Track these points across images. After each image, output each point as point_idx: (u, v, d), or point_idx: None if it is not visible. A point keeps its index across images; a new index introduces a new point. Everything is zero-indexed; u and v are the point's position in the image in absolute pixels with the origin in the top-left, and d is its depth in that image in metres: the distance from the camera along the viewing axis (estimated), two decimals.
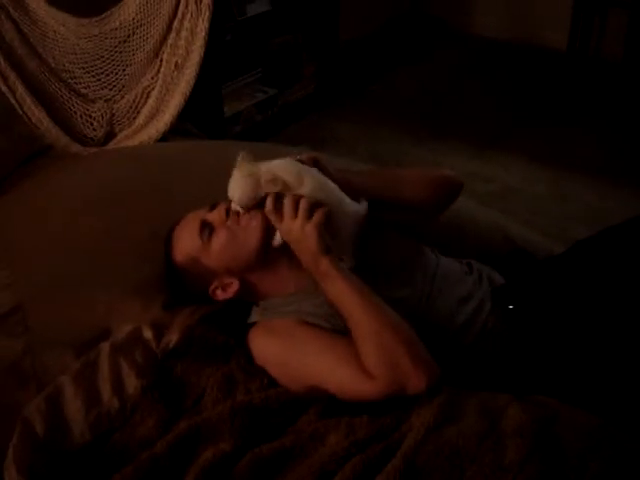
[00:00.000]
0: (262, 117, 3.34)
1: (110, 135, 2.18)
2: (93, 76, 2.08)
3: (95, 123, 2.13)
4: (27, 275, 1.53)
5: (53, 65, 2.04)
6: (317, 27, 3.53)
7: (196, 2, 2.01)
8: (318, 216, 1.20)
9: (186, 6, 2.03)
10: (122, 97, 2.14)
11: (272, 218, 1.25)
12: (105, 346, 1.34)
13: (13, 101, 1.99)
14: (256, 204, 1.29)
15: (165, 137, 2.15)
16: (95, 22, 2.01)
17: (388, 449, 1.07)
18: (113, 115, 2.14)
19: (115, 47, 2.04)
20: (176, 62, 2.08)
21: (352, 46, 3.95)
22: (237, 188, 1.28)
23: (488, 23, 4.35)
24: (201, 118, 2.78)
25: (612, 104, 3.58)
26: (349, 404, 1.20)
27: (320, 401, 1.20)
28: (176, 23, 2.05)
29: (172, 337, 1.35)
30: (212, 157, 1.93)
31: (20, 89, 1.98)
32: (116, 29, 2.02)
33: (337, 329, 1.28)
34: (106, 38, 2.03)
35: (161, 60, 2.10)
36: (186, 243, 1.39)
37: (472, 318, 1.33)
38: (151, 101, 2.13)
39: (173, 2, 2.03)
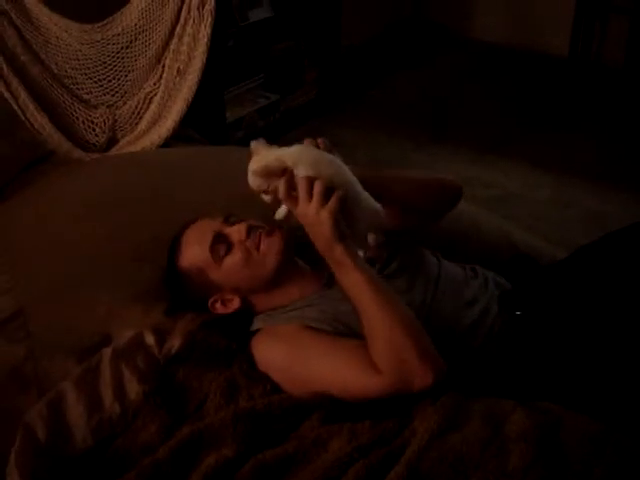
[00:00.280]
0: (264, 123, 3.34)
1: (112, 141, 2.18)
2: (95, 82, 2.09)
3: (97, 129, 2.13)
4: (28, 280, 1.53)
5: (56, 71, 2.04)
6: (319, 33, 3.54)
7: (198, 8, 2.01)
8: (333, 201, 1.15)
9: (188, 12, 2.03)
10: (124, 103, 2.14)
11: (287, 201, 1.19)
12: (107, 351, 1.34)
13: (16, 107, 1.99)
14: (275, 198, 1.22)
15: (167, 143, 2.16)
16: (97, 28, 2.02)
17: (391, 455, 1.07)
18: (115, 121, 2.14)
19: (117, 53, 2.05)
20: (178, 68, 2.08)
21: (353, 52, 3.96)
22: (253, 175, 1.22)
23: (489, 28, 4.36)
24: (203, 124, 2.78)
25: (613, 109, 3.58)
26: (352, 409, 1.20)
27: (323, 407, 1.20)
28: (178, 29, 2.05)
29: (174, 342, 1.35)
30: (214, 163, 1.93)
31: (23, 95, 1.98)
32: (118, 35, 2.03)
33: (341, 333, 1.28)
34: (108, 44, 2.04)
35: (163, 66, 2.11)
36: (195, 252, 1.37)
37: (478, 321, 1.33)
38: (153, 107, 2.13)
39: (175, 8, 2.03)
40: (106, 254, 1.54)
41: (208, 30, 2.05)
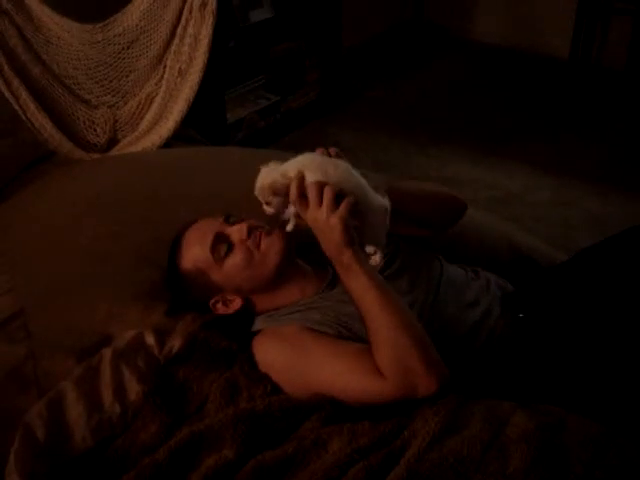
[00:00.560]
0: (265, 123, 3.35)
1: (113, 141, 2.18)
2: (96, 82, 2.09)
3: (98, 129, 2.13)
4: (29, 280, 1.53)
5: (57, 71, 2.04)
6: (320, 34, 3.54)
7: (200, 9, 2.01)
8: (343, 207, 1.16)
9: (190, 12, 2.03)
10: (125, 103, 2.14)
11: (297, 206, 1.21)
12: (107, 352, 1.34)
13: (16, 107, 1.99)
14: (282, 203, 1.25)
15: (168, 143, 2.16)
16: (99, 28, 2.02)
17: (391, 456, 1.06)
18: (116, 121, 2.14)
19: (119, 53, 2.05)
20: (179, 68, 2.08)
21: (354, 53, 3.96)
22: (262, 183, 1.24)
23: (490, 30, 4.36)
24: (204, 124, 2.78)
25: (614, 112, 3.58)
26: (351, 410, 1.20)
27: (323, 407, 1.20)
28: (180, 29, 2.05)
29: (175, 343, 1.35)
30: (215, 163, 1.93)
31: (24, 95, 1.98)
32: (120, 35, 2.03)
33: (343, 336, 1.28)
34: (109, 44, 2.04)
35: (164, 66, 2.11)
36: (196, 252, 1.37)
37: (480, 323, 1.33)
38: (154, 107, 2.13)
39: (177, 9, 2.03)
40: (107, 254, 1.54)
41: (209, 31, 2.05)
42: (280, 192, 1.22)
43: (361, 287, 1.20)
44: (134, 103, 2.14)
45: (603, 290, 1.36)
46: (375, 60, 4.17)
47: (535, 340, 1.31)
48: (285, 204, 1.25)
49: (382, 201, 1.25)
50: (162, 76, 2.12)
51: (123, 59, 2.06)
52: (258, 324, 1.39)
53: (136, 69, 2.09)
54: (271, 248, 1.35)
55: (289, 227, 1.29)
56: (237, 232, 1.36)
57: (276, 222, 1.33)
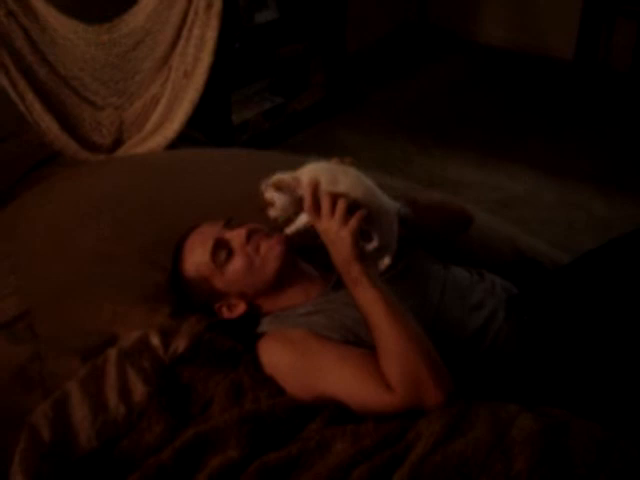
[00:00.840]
0: (270, 125, 3.35)
1: (118, 142, 2.19)
2: (102, 83, 2.09)
3: (104, 130, 2.14)
4: (35, 280, 1.54)
5: (63, 72, 2.05)
6: (325, 36, 3.54)
7: (205, 10, 2.02)
8: (354, 221, 1.18)
9: (195, 14, 2.04)
10: (131, 105, 2.15)
11: (310, 214, 1.22)
12: (112, 352, 1.34)
13: (23, 108, 1.99)
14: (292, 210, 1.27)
15: (173, 144, 2.16)
16: (105, 29, 2.03)
17: (395, 457, 1.06)
18: (122, 122, 2.15)
19: (124, 54, 2.06)
20: (185, 70, 2.09)
21: (360, 55, 3.97)
22: (269, 181, 1.25)
23: (494, 32, 4.36)
24: (209, 126, 2.79)
25: (619, 114, 3.57)
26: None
27: (327, 408, 1.20)
28: (185, 31, 2.06)
29: (180, 343, 1.35)
30: (220, 165, 1.93)
31: (30, 96, 1.99)
32: (125, 36, 2.04)
33: (350, 341, 1.28)
34: (115, 45, 2.04)
35: (170, 68, 2.11)
36: (198, 259, 1.37)
37: (485, 326, 1.32)
38: (160, 109, 2.14)
39: (182, 10, 2.04)
40: (112, 255, 1.54)
41: (215, 32, 2.05)
42: (284, 188, 1.22)
43: (369, 301, 1.20)
44: (140, 104, 2.14)
45: (608, 292, 1.36)
46: (379, 62, 4.17)
47: (540, 342, 1.30)
48: (289, 206, 1.25)
49: (393, 204, 1.26)
50: (167, 77, 2.13)
51: (129, 60, 2.07)
52: (264, 326, 1.39)
53: (142, 70, 2.10)
54: (271, 252, 1.35)
55: (289, 230, 1.29)
56: (237, 237, 1.36)
57: (278, 226, 1.33)
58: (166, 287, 1.46)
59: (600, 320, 1.31)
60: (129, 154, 2.15)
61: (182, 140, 2.23)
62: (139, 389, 1.29)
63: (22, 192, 1.95)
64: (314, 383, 1.24)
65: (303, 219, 1.27)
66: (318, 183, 1.20)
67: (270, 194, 1.24)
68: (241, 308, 1.39)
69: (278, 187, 1.23)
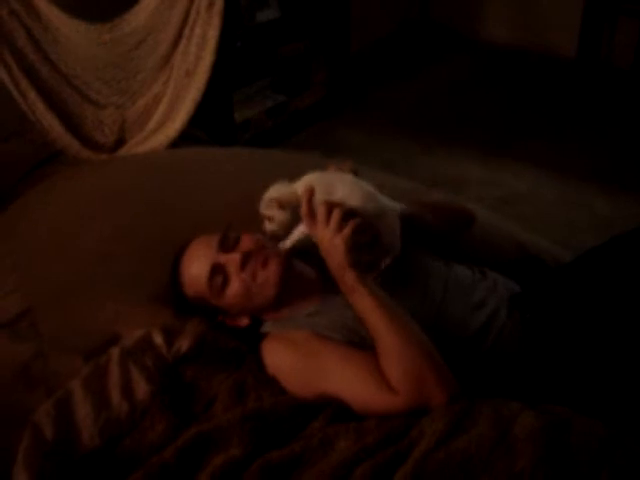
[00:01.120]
0: (272, 124, 3.35)
1: (121, 141, 2.19)
2: (104, 82, 2.10)
3: (106, 129, 2.14)
4: (38, 279, 1.54)
5: (65, 71, 2.05)
6: (327, 34, 3.54)
7: (207, 9, 2.02)
8: (348, 229, 1.20)
9: (197, 13, 2.04)
10: (133, 103, 2.15)
11: (306, 222, 1.24)
12: (115, 351, 1.34)
13: (25, 107, 2.00)
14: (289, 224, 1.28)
15: (175, 143, 2.16)
16: (107, 28, 2.03)
17: (398, 454, 1.06)
18: (124, 121, 2.15)
19: (126, 53, 2.06)
20: (187, 69, 2.09)
21: (362, 53, 3.96)
22: (269, 196, 1.27)
23: (497, 30, 4.35)
24: (211, 125, 2.79)
25: (622, 111, 3.57)
26: None
27: (330, 406, 1.20)
28: (187, 30, 2.06)
29: (183, 342, 1.35)
30: (222, 164, 1.94)
31: (32, 95, 1.99)
32: (127, 35, 2.04)
33: (352, 341, 1.28)
34: (117, 44, 2.04)
35: (172, 67, 2.11)
36: (195, 283, 1.36)
37: (487, 324, 1.32)
38: (162, 108, 2.14)
39: (184, 9, 2.04)
40: (115, 254, 1.55)
41: (216, 31, 2.05)
42: (285, 205, 1.25)
43: (366, 308, 1.22)
44: (142, 103, 2.15)
45: (610, 290, 1.35)
46: (381, 60, 4.17)
47: (542, 341, 1.30)
48: (287, 222, 1.27)
49: (394, 206, 1.27)
50: (169, 76, 2.13)
51: (131, 59, 2.07)
52: (267, 326, 1.39)
53: (144, 69, 2.10)
54: (267, 281, 1.34)
55: (287, 243, 1.31)
56: (232, 263, 1.34)
57: (276, 239, 1.34)
58: (168, 286, 1.46)
59: (603, 318, 1.31)
60: (131, 153, 2.15)
61: (184, 139, 2.23)
62: (142, 387, 1.29)
63: (24, 191, 1.95)
64: (316, 384, 1.24)
65: (300, 229, 1.29)
66: (313, 188, 1.22)
67: (271, 211, 1.26)
68: (244, 322, 1.40)
69: (281, 205, 1.24)
